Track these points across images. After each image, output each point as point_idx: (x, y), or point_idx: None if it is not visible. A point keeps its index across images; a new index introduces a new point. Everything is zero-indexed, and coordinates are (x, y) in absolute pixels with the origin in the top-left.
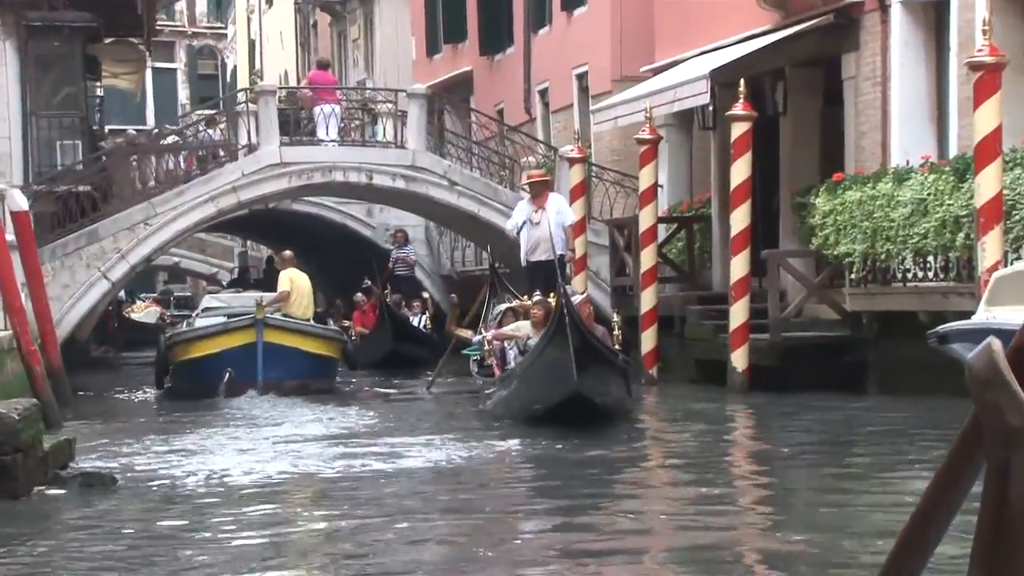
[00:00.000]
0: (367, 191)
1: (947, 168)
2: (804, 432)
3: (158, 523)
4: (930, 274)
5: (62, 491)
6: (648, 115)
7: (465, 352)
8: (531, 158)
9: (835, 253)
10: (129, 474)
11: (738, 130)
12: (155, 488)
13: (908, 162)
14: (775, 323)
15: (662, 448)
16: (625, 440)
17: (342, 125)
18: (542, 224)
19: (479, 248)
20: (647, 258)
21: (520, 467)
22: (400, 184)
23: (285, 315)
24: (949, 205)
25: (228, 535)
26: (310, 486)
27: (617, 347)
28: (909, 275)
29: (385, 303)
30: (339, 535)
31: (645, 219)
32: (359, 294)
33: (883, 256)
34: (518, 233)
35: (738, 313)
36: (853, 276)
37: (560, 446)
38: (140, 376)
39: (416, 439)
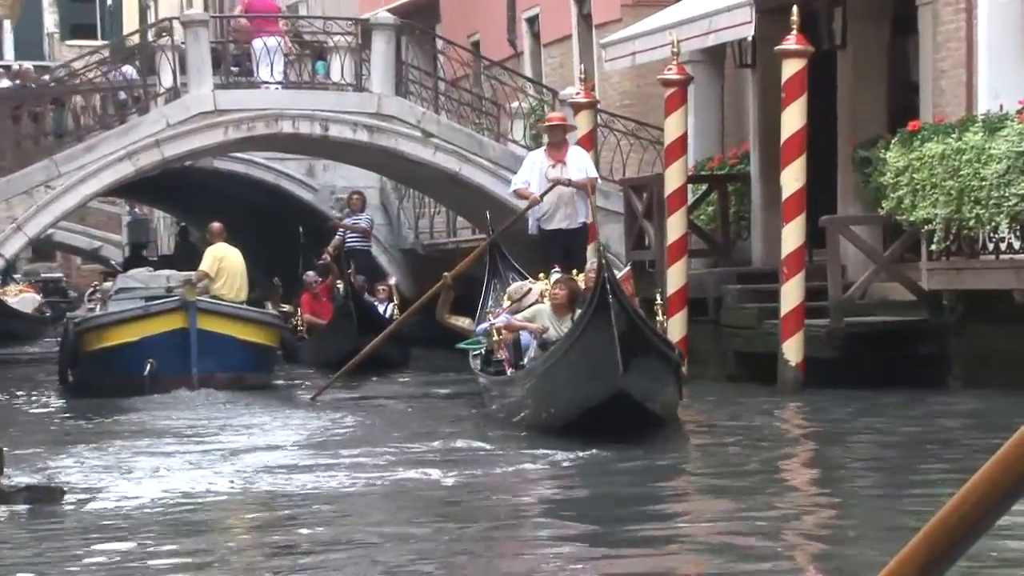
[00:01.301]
0: (322, 145)
1: None
2: (874, 440)
3: (102, 549)
4: None
5: (3, 507)
6: (676, 50)
7: (462, 346)
8: (522, 103)
9: (911, 219)
10: (70, 490)
11: (791, 68)
12: (101, 508)
13: (1002, 107)
14: (836, 306)
15: (702, 465)
16: (656, 455)
17: (287, 62)
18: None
19: (453, 215)
20: (675, 226)
21: (535, 485)
22: (362, 136)
23: (215, 297)
24: None
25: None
26: (273, 507)
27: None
28: (1003, 246)
29: (350, 286)
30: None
31: (672, 178)
32: (310, 273)
33: (971, 222)
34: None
35: (791, 294)
36: (933, 247)
37: (581, 457)
38: (32, 372)
39: (407, 451)
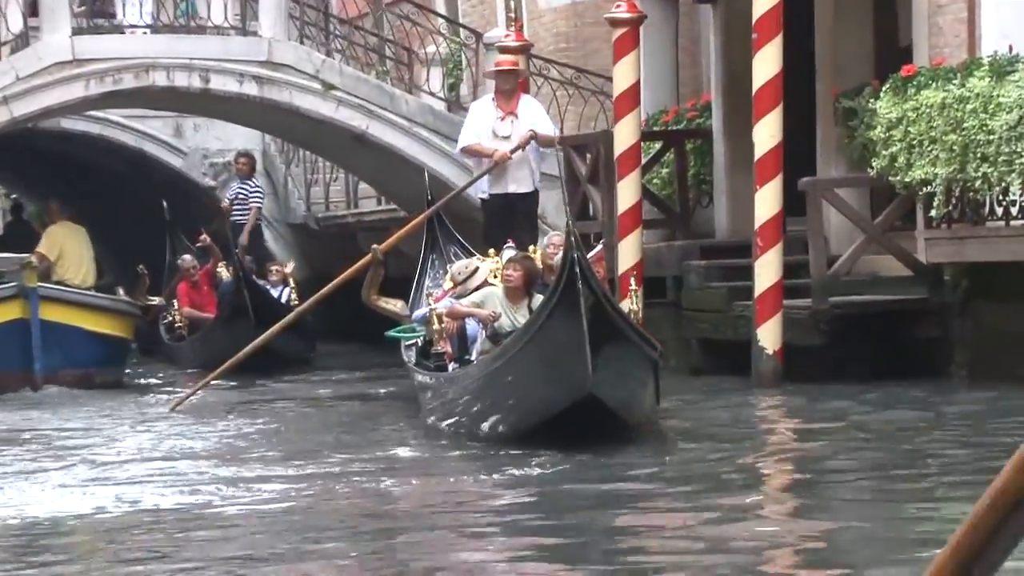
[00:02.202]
0: (201, 100)
1: None
2: (867, 440)
3: None
4: None
5: None
6: None
7: (392, 334)
8: (439, 48)
9: (906, 180)
10: None
11: (764, 3)
12: None
13: (1011, 48)
14: (819, 284)
15: (670, 475)
16: (618, 465)
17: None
18: (514, 139)
19: (355, 183)
20: (628, 192)
21: (481, 505)
22: (250, 89)
23: (58, 283)
24: None
25: None
26: (141, 528)
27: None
28: (1014, 210)
29: (242, 270)
30: None
31: (624, 135)
32: (187, 257)
33: (977, 183)
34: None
35: (767, 270)
36: (933, 213)
37: (536, 472)
38: None
39: (323, 463)
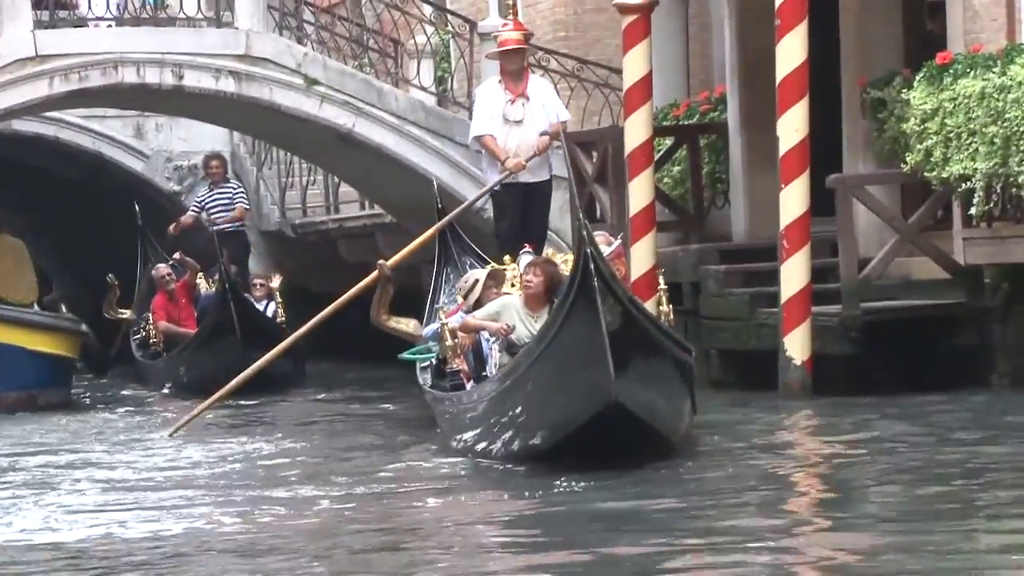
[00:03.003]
0: (174, 98)
1: None
2: (904, 457)
3: None
4: None
5: None
6: None
7: (407, 356)
8: (431, 38)
9: (942, 176)
10: None
11: None
12: None
13: None
14: (850, 288)
15: (695, 496)
16: (639, 482)
17: None
18: (526, 122)
19: (334, 185)
20: (640, 192)
21: (492, 524)
22: (227, 85)
23: None
24: None
25: None
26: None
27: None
28: None
29: (229, 283)
30: None
31: (635, 131)
32: (161, 266)
33: (1021, 178)
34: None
35: (795, 274)
36: (972, 211)
37: (554, 491)
38: None
39: (334, 484)
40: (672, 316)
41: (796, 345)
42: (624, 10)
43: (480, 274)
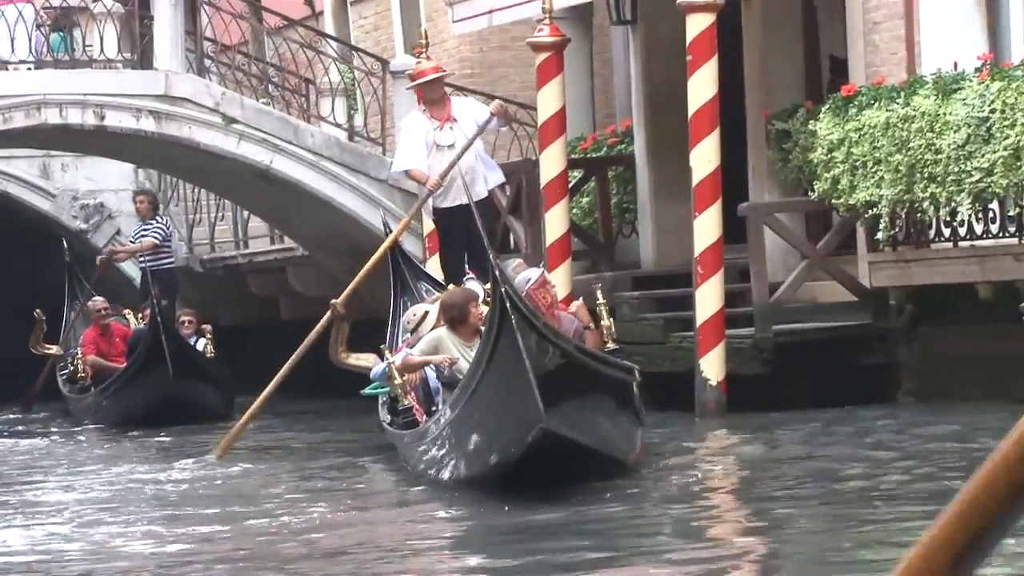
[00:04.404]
0: (96, 137)
1: (1019, 72)
2: (814, 467)
3: None
4: (994, 227)
5: None
6: (548, 6)
7: (368, 392)
8: (345, 76)
9: (849, 203)
10: None
11: (698, 24)
12: None
13: (956, 65)
14: (762, 312)
15: (614, 514)
16: (570, 502)
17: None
18: (458, 145)
19: (244, 221)
20: (556, 222)
21: (423, 543)
22: (148, 124)
23: None
24: None
25: None
26: None
27: (610, 345)
28: (962, 231)
29: (162, 318)
30: None
31: (550, 163)
32: (98, 300)
33: (925, 204)
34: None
35: (709, 298)
36: (879, 236)
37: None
38: None
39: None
40: (614, 330)
41: (711, 366)
42: (538, 48)
43: (430, 307)
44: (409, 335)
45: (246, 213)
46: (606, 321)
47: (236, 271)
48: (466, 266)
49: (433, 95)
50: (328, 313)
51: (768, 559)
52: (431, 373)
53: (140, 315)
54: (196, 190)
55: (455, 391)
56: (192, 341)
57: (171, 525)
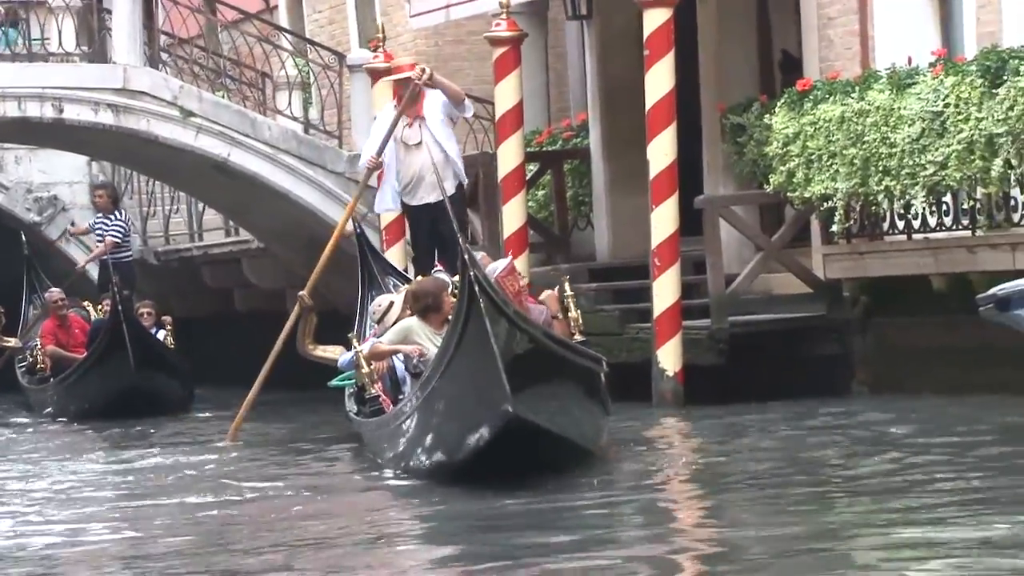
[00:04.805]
0: (54, 131)
1: (972, 67)
2: (771, 455)
3: None
4: (948, 220)
5: None
6: (505, 2)
7: (335, 383)
8: (302, 70)
9: (805, 196)
10: None
11: (655, 19)
12: None
13: (910, 60)
14: (718, 303)
15: (570, 501)
16: (513, 498)
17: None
18: (425, 143)
19: (199, 213)
20: (514, 215)
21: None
22: (106, 117)
23: None
24: (979, 120)
25: None
26: None
27: (577, 336)
28: (916, 223)
29: (124, 308)
30: None
31: (508, 157)
32: (55, 291)
33: (879, 196)
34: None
35: (666, 290)
36: (834, 228)
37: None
38: None
39: (243, 493)
40: (581, 321)
41: (668, 357)
42: (495, 42)
43: (395, 297)
44: (376, 325)
45: (201, 205)
46: (574, 313)
47: (191, 263)
48: (435, 260)
49: (406, 95)
50: (297, 306)
51: (726, 547)
52: (399, 363)
53: (100, 307)
54: (150, 183)
55: (422, 376)
56: (152, 332)
57: (133, 515)
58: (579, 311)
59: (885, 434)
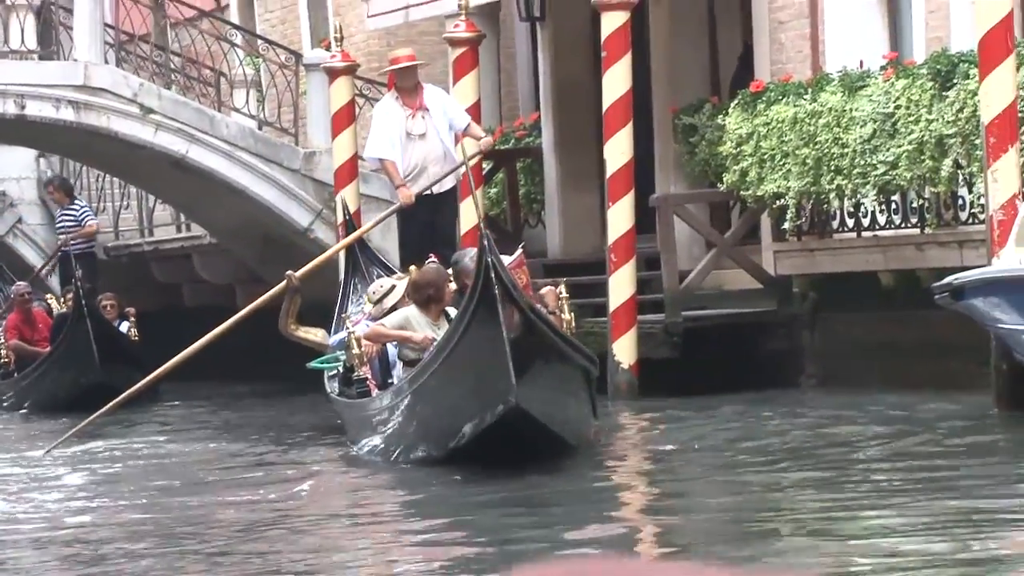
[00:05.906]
0: (15, 127)
1: (923, 70)
2: (721, 446)
3: None
4: (897, 218)
5: None
6: (464, 3)
7: (314, 365)
8: (260, 69)
9: (757, 194)
10: None
11: (613, 22)
12: None
13: (862, 64)
14: (672, 298)
15: (521, 490)
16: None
17: None
18: (429, 135)
19: (150, 209)
20: (469, 213)
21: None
22: (67, 114)
23: None
24: (929, 122)
25: None
26: None
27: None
28: (866, 221)
29: (85, 300)
30: None
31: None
32: (21, 284)
33: (831, 195)
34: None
35: (622, 285)
36: (786, 226)
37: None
38: None
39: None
40: (574, 324)
41: (624, 351)
42: (454, 43)
43: (397, 282)
44: (372, 307)
45: (151, 200)
46: (567, 315)
47: (140, 258)
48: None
49: (406, 83)
50: (283, 283)
51: (682, 531)
52: (392, 348)
53: (64, 300)
54: (100, 178)
55: (423, 360)
56: (116, 324)
57: (105, 502)
58: (572, 314)
59: (829, 425)
